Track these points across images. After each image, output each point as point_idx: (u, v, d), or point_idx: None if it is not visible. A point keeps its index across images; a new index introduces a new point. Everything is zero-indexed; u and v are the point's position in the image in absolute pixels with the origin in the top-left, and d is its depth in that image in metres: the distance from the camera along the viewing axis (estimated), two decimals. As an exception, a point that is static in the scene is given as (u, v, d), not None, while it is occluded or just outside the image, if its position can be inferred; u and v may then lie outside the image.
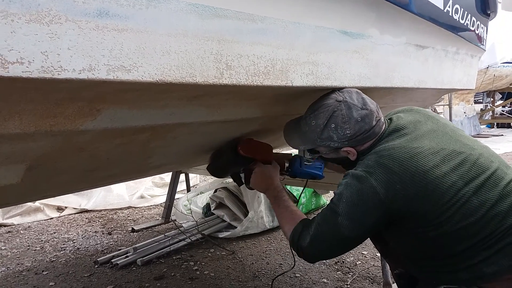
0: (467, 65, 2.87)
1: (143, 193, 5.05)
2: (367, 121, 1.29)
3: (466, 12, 2.39)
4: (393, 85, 1.76)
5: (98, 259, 2.89)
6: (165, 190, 5.05)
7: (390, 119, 1.39)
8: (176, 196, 4.00)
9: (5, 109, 0.79)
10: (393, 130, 1.31)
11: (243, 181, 1.72)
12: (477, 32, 2.70)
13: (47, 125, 0.88)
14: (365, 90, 1.57)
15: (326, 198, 4.37)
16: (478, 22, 2.73)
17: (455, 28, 2.23)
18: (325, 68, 1.28)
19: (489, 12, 2.90)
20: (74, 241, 3.42)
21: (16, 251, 3.21)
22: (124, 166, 1.65)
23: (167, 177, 5.72)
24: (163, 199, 4.77)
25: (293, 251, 1.35)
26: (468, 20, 2.47)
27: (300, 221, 1.34)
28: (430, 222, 1.18)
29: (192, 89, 0.92)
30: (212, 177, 4.16)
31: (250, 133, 1.70)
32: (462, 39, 2.43)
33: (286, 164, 1.71)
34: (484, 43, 2.95)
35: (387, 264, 2.23)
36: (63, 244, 3.34)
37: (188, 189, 4.33)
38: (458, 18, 2.29)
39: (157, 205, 4.72)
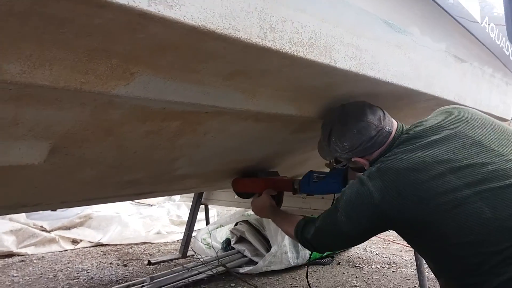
0: (503, 92, 2.77)
1: (160, 229, 4.92)
2: (364, 132, 1.33)
3: (500, 34, 2.32)
4: (434, 93, 1.66)
5: (112, 288, 2.73)
6: (182, 228, 4.90)
7: (416, 125, 1.31)
8: (195, 228, 3.84)
9: (37, 52, 0.72)
10: (406, 139, 1.28)
11: None
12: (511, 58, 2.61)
13: (78, 82, 0.81)
14: (408, 92, 1.49)
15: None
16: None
17: (491, 46, 2.15)
18: (369, 56, 1.21)
19: (521, 40, 2.84)
20: (88, 271, 3.28)
21: (28, 278, 3.08)
22: (149, 169, 1.57)
23: (184, 215, 5.60)
24: (179, 236, 4.62)
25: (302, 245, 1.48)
26: (502, 43, 2.40)
27: (302, 219, 1.46)
28: (429, 230, 1.14)
29: (233, 48, 0.85)
30: (234, 209, 4.05)
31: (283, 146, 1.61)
32: (498, 60, 2.34)
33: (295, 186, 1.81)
34: (518, 73, 2.85)
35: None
36: (77, 274, 3.20)
37: (207, 221, 4.17)
38: (494, 37, 2.22)
39: (174, 241, 4.56)
